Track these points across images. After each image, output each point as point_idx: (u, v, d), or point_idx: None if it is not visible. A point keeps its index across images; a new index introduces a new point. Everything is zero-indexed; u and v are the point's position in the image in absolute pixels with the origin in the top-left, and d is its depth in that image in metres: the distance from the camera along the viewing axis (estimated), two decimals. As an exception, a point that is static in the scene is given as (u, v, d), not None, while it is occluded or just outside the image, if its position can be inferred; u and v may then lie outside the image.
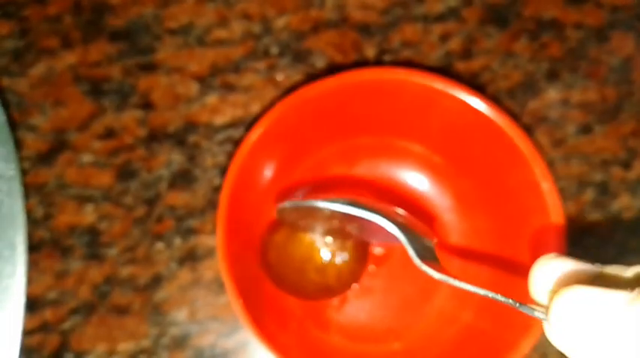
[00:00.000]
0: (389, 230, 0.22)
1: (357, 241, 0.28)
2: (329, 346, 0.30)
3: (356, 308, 0.31)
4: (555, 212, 0.26)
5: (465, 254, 0.31)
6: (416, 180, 0.32)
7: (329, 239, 0.27)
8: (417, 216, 0.31)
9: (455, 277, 0.20)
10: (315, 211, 0.25)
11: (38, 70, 0.34)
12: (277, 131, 0.27)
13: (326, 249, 0.28)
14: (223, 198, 0.25)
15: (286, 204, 0.25)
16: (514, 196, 0.27)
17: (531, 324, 0.25)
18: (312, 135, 0.29)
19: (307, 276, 0.28)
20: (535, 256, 0.26)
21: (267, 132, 0.26)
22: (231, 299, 0.24)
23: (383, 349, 0.30)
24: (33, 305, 0.31)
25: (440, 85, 0.27)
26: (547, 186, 0.26)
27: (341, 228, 0.27)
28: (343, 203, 0.22)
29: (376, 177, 0.32)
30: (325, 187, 0.31)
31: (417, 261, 0.21)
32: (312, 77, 0.35)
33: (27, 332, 0.30)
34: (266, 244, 0.29)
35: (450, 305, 0.30)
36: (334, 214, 0.23)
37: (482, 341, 0.27)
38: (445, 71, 0.36)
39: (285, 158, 0.29)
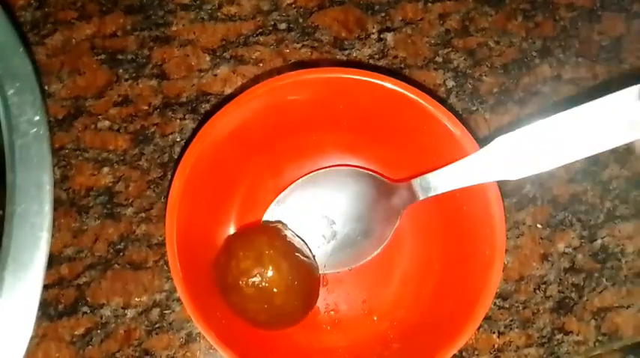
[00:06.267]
0: None
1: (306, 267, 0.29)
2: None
3: (334, 298, 0.32)
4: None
5: (416, 236, 0.33)
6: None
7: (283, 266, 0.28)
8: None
9: None
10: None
11: (55, 40, 0.35)
12: (225, 129, 0.29)
13: (282, 280, 0.28)
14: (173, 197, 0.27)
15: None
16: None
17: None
18: (264, 131, 0.31)
19: (268, 310, 0.28)
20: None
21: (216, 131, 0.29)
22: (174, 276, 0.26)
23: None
24: (50, 261, 0.32)
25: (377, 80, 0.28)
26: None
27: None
28: None
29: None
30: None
31: None
32: (318, 51, 0.37)
33: (44, 287, 0.32)
34: (223, 288, 0.28)
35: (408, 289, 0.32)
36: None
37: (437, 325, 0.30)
38: (444, 47, 0.38)
39: (237, 156, 0.31)
